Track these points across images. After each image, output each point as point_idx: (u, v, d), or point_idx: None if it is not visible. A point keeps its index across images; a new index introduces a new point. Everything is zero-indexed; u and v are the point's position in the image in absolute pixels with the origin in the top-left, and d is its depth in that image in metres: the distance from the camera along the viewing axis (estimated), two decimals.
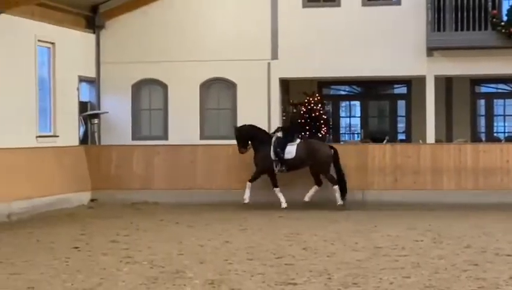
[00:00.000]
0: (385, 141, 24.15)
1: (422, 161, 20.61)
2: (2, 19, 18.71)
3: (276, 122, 23.03)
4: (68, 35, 22.13)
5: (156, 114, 23.72)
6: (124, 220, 17.11)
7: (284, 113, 24.59)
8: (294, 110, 24.70)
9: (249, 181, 19.42)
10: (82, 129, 22.97)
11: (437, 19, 21.72)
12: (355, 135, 28.97)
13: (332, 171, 19.48)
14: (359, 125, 28.49)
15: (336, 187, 19.29)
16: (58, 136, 21.24)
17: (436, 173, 20.47)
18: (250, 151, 19.85)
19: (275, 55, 23.07)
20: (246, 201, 19.23)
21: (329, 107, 27.83)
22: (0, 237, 14.62)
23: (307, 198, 19.45)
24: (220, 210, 18.79)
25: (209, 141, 22.51)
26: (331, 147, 19.95)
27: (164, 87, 23.55)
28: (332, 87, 28.43)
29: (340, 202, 19.29)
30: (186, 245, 13.26)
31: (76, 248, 13.01)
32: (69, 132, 21.99)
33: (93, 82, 23.62)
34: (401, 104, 27.66)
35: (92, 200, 20.21)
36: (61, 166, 19.94)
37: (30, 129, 19.97)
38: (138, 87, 23.65)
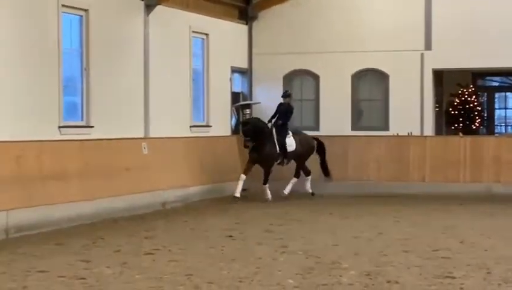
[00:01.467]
0: None
1: None
2: (157, 11, 19.21)
3: (429, 114, 22.72)
4: (221, 26, 22.53)
5: (307, 105, 23.80)
6: (277, 210, 17.23)
7: (437, 105, 24.16)
8: None
9: (264, 184, 19.03)
10: (234, 119, 23.36)
11: None
12: (509, 127, 28.31)
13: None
14: None
15: (309, 177, 19.76)
16: (211, 126, 21.67)
17: None
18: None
19: (428, 46, 22.68)
20: (269, 198, 18.90)
21: (483, 99, 27.23)
22: (157, 224, 15.02)
23: (286, 191, 19.47)
24: (372, 202, 18.67)
25: (361, 132, 22.43)
26: (316, 139, 20.03)
27: (316, 78, 23.59)
28: (487, 78, 27.78)
29: (310, 190, 19.74)
30: (340, 236, 13.22)
31: (231, 236, 13.17)
32: (222, 122, 22.41)
33: (246, 73, 23.97)
34: None
35: (243, 190, 20.52)
36: (214, 155, 20.29)
37: (184, 119, 20.45)
38: (290, 78, 23.78)
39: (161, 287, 8.95)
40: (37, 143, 14.72)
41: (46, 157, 14.76)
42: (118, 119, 17.97)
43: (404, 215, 16.36)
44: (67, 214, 14.54)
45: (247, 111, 23.44)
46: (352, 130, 22.91)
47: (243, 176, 18.61)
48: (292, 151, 19.14)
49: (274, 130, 19.05)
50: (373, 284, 9.05)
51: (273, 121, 19.22)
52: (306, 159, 19.65)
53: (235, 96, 23.51)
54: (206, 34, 21.83)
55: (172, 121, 19.79)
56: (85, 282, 9.20)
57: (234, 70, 23.36)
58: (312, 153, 19.71)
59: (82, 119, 17.35)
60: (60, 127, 16.35)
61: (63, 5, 16.27)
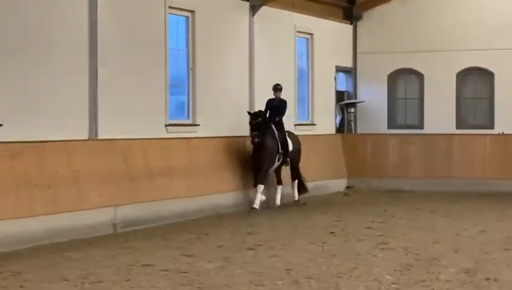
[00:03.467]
0: None
1: None
2: (263, 11, 19.68)
3: None
4: (326, 26, 22.83)
5: (411, 103, 23.82)
6: (379, 208, 17.39)
7: None
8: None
9: (260, 184, 16.85)
10: (339, 118, 23.58)
11: None
12: None
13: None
14: None
15: (296, 182, 18.13)
16: (315, 125, 21.97)
17: None
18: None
19: None
20: (257, 206, 16.69)
21: None
22: (261, 221, 15.40)
23: (278, 202, 17.60)
24: (475, 200, 18.59)
25: (466, 131, 22.33)
26: None
27: (420, 76, 23.58)
28: None
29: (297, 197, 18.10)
30: (441, 234, 13.26)
31: (332, 233, 13.40)
32: (326, 121, 22.68)
33: (350, 72, 24.18)
34: None
35: (347, 187, 20.62)
36: (319, 153, 20.57)
37: (289, 118, 20.84)
38: (394, 77, 23.83)
39: (260, 282, 9.17)
40: (144, 141, 15.33)
41: (152, 155, 15.37)
42: (223, 118, 18.56)
43: (509, 213, 16.26)
44: (173, 209, 15.11)
45: (352, 110, 23.70)
46: (456, 128, 22.84)
47: (261, 187, 16.78)
48: (291, 151, 17.69)
49: (274, 127, 17.38)
50: (471, 281, 9.09)
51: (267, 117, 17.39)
52: (299, 161, 18.18)
53: (340, 95, 23.73)
54: (311, 34, 22.18)
55: None
56: (186, 276, 9.51)
57: (339, 69, 23.60)
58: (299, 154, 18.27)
59: (188, 118, 17.96)
60: (166, 125, 16.94)
61: (169, 7, 16.89)
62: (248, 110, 16.04)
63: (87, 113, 14.84)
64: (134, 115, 15.84)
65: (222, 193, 16.66)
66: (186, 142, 16.67)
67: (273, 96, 17.67)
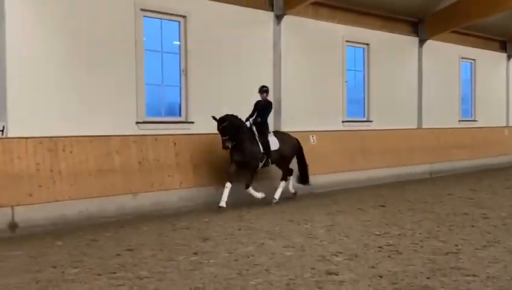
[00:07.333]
0: None
1: None
2: (428, 44, 25.50)
3: None
4: (486, 55, 28.61)
5: None
6: None
7: None
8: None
9: (247, 186, 16.05)
10: None
11: None
12: None
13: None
14: None
15: (291, 178, 17.53)
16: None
17: None
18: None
19: None
20: (262, 196, 16.35)
21: None
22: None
23: (276, 196, 16.89)
24: None
25: None
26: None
27: None
28: None
29: (292, 190, 17.65)
30: None
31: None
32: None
33: None
34: None
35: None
36: None
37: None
38: None
39: None
40: (328, 133, 20.01)
41: (334, 142, 19.99)
42: (393, 114, 24.02)
43: None
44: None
45: None
46: None
47: (229, 185, 15.55)
48: (276, 151, 16.68)
49: (255, 128, 16.41)
50: None
51: (251, 119, 16.53)
52: (291, 159, 17.44)
53: None
54: (473, 60, 27.72)
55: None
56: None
57: None
58: (297, 152, 17.57)
59: (364, 116, 23.35)
60: (343, 121, 22.00)
61: (346, 41, 22.13)
62: (213, 115, 15.48)
63: None
64: (318, 114, 20.92)
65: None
66: (361, 134, 21.55)
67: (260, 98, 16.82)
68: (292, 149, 17.34)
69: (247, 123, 16.29)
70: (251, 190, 16.05)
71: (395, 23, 24.37)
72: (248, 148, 15.90)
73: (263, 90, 16.74)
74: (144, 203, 14.13)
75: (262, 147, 16.25)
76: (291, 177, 17.48)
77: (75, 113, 15.14)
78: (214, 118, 15.48)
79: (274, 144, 16.62)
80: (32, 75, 14.49)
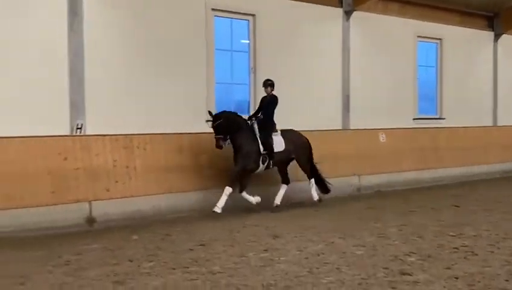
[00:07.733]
0: None
1: None
2: (503, 38, 25.28)
3: None
4: None
5: None
6: None
7: None
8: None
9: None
10: None
11: None
12: None
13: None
14: None
15: (313, 180, 15.84)
16: None
17: None
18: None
19: None
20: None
21: None
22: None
23: (278, 201, 15.38)
24: None
25: None
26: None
27: None
28: None
29: (316, 197, 15.84)
30: None
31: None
32: None
33: None
34: None
35: None
36: None
37: None
38: None
39: None
40: (398, 131, 19.90)
41: (405, 139, 19.83)
42: (467, 112, 23.70)
43: None
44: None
45: None
46: None
47: (229, 189, 14.14)
48: (280, 152, 15.13)
49: (256, 126, 14.98)
50: None
51: (254, 118, 15.16)
52: (307, 161, 15.78)
53: None
54: None
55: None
56: None
57: None
58: (308, 151, 15.80)
59: (436, 113, 23.16)
60: (414, 119, 21.83)
61: (418, 36, 22.07)
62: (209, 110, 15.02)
63: None
64: (387, 112, 20.65)
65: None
66: (433, 131, 21.30)
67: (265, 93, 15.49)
68: (303, 150, 15.66)
69: (250, 122, 14.99)
70: (245, 195, 14.71)
71: (469, 18, 24.23)
72: (245, 148, 14.56)
73: (267, 84, 15.31)
74: (214, 200, 14.15)
75: (264, 147, 14.83)
76: (313, 182, 15.78)
77: (147, 112, 15.51)
78: (210, 113, 14.62)
79: (279, 144, 15.15)
80: (107, 77, 14.85)
